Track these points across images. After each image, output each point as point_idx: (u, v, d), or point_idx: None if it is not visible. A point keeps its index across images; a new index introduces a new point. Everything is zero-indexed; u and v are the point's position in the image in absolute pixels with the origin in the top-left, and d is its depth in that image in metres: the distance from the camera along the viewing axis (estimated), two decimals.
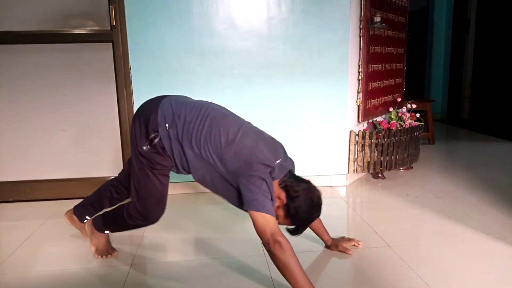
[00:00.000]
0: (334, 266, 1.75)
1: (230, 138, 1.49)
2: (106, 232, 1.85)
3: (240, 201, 1.49)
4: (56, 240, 2.04)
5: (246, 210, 1.44)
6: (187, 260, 1.80)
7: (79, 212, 1.96)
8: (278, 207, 1.51)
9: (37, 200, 2.63)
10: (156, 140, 1.54)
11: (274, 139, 1.63)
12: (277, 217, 1.49)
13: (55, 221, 2.30)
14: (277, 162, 1.51)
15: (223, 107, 1.69)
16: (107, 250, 1.84)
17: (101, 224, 1.82)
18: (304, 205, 1.48)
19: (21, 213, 2.47)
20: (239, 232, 2.13)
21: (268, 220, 1.39)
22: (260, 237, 1.40)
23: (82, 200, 1.99)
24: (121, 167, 2.67)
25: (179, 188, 2.73)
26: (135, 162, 1.61)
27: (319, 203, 1.53)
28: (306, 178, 1.57)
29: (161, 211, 1.67)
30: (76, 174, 2.66)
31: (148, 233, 2.10)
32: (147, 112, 1.59)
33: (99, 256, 1.82)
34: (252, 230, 2.09)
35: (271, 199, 1.45)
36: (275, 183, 1.51)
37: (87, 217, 1.94)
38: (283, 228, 1.48)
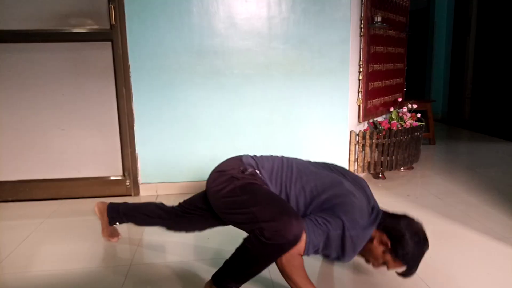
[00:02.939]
0: (334, 265, 1.74)
1: (325, 185, 1.43)
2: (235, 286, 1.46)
3: None
4: (55, 240, 2.03)
5: None
6: (186, 260, 1.80)
7: (111, 216, 1.86)
8: (383, 251, 1.38)
9: (36, 200, 2.62)
10: (250, 170, 1.47)
11: (359, 178, 1.55)
12: (385, 263, 1.41)
13: (54, 220, 2.30)
14: (371, 205, 1.45)
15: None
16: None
17: (230, 281, 1.43)
18: (412, 243, 1.34)
19: (20, 212, 2.46)
20: (239, 233, 2.11)
21: (301, 239, 1.29)
22: None
23: (120, 204, 1.87)
24: (120, 167, 2.67)
25: (179, 188, 2.72)
26: (234, 192, 1.41)
27: (425, 236, 1.40)
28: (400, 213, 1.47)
29: (295, 223, 1.29)
30: (75, 173, 2.65)
31: (147, 235, 2.09)
32: (227, 166, 1.52)
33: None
34: None
35: (339, 251, 1.36)
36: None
37: (117, 222, 1.88)
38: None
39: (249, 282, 1.59)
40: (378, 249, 1.39)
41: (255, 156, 1.59)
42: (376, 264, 1.44)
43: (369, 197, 1.48)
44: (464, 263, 1.72)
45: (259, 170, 1.49)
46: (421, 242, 1.37)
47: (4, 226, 2.26)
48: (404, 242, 1.34)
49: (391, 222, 1.40)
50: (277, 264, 1.33)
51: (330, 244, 1.33)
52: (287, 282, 1.35)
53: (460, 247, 1.87)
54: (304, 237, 1.29)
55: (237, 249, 1.40)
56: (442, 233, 2.04)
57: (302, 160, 1.60)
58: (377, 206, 1.50)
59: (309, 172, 1.48)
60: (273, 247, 1.28)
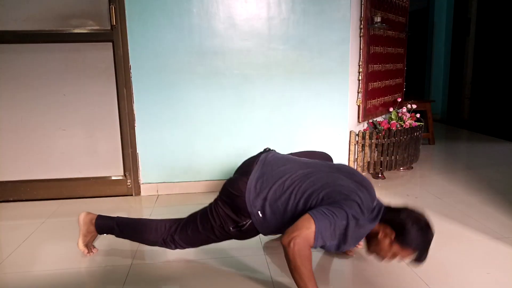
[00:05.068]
0: (334, 266, 1.75)
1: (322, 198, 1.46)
2: (106, 235, 1.81)
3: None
4: (56, 240, 2.04)
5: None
6: (187, 259, 1.80)
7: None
8: (390, 243, 1.46)
9: (37, 200, 2.63)
10: (247, 225, 1.56)
11: (366, 180, 1.57)
12: (395, 255, 1.47)
13: (55, 220, 2.30)
14: (374, 204, 1.50)
15: (306, 161, 1.64)
16: (91, 247, 1.86)
17: (112, 229, 1.78)
18: (415, 230, 1.42)
19: (21, 212, 2.47)
20: None
21: (309, 227, 1.31)
22: (287, 231, 1.35)
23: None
24: (121, 167, 2.68)
25: (180, 188, 2.73)
26: (205, 224, 1.63)
27: (427, 222, 1.46)
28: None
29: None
30: (76, 173, 2.66)
31: None
32: (233, 197, 1.56)
33: (85, 250, 1.81)
34: None
35: (341, 240, 1.41)
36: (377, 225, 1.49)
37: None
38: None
39: (249, 280, 1.61)
40: (385, 241, 1.46)
41: (259, 180, 1.56)
42: (387, 257, 1.50)
43: (373, 197, 1.53)
44: (464, 262, 1.73)
45: (264, 208, 1.53)
46: (423, 228, 1.44)
47: (5, 226, 2.27)
48: (407, 230, 1.42)
49: (392, 214, 1.49)
50: (287, 254, 1.32)
51: (335, 233, 1.37)
52: (293, 273, 1.34)
53: (459, 247, 1.88)
54: (314, 227, 1.31)
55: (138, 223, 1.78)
56: (441, 232, 2.04)
57: (315, 167, 1.59)
58: (380, 203, 1.55)
59: (319, 182, 1.50)
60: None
